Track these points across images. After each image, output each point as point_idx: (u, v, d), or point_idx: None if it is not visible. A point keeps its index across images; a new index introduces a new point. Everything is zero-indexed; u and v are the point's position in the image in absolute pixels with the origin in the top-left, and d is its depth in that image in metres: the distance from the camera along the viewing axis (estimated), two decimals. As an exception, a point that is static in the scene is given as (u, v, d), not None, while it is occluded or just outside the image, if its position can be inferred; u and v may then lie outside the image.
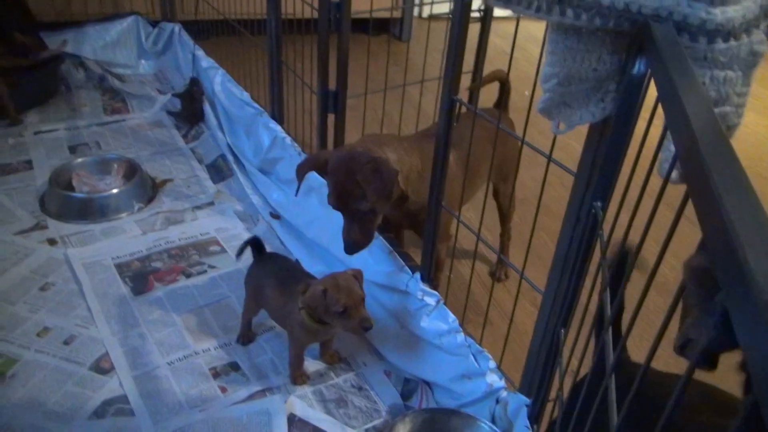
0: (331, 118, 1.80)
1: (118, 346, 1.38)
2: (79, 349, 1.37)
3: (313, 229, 1.70)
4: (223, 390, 1.30)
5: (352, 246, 1.25)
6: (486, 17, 1.69)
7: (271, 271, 1.34)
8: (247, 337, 1.43)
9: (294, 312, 1.26)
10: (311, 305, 1.20)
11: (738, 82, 0.74)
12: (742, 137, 2.56)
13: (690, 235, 0.60)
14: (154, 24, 2.73)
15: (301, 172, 1.29)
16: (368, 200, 1.18)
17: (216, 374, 1.34)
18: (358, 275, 1.23)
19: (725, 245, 0.33)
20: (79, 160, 1.97)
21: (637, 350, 1.41)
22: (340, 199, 1.22)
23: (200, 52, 2.41)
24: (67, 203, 1.80)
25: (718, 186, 0.37)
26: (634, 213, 0.71)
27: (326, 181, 1.24)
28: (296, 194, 1.33)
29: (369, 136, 1.35)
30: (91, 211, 1.80)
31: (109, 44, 2.66)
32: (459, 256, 1.82)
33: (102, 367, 1.33)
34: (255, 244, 1.38)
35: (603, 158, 0.81)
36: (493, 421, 1.14)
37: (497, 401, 1.16)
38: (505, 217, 1.67)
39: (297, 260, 1.61)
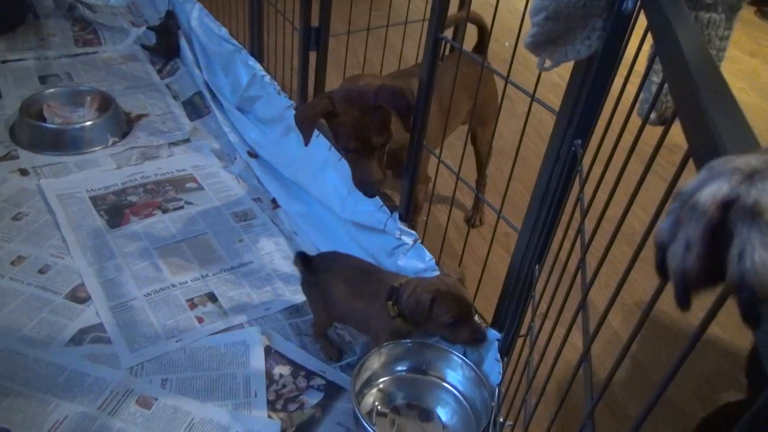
0: (312, 57, 1.78)
1: (94, 277, 1.38)
2: (54, 278, 1.36)
3: (291, 168, 1.69)
4: (200, 320, 1.32)
5: (375, 186, 1.23)
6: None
7: (336, 278, 1.20)
8: (335, 352, 1.28)
9: (380, 317, 1.14)
10: (413, 313, 1.09)
11: (721, 24, 0.75)
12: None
13: (658, 189, 0.62)
14: (127, -47, 2.61)
15: (309, 122, 1.23)
16: (385, 132, 1.18)
17: (193, 305, 1.35)
18: (463, 278, 1.15)
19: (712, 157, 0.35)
20: (51, 90, 1.91)
21: (601, 296, 1.47)
22: (359, 137, 1.19)
23: (176, -15, 2.33)
24: (38, 134, 1.76)
25: (705, 102, 0.39)
26: (612, 152, 0.73)
27: (334, 125, 1.21)
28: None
29: (354, 76, 1.34)
30: (63, 142, 1.76)
31: (80, -28, 2.55)
32: (435, 202, 1.84)
33: (78, 297, 1.33)
34: (302, 258, 1.23)
35: (586, 97, 0.82)
36: (464, 354, 1.19)
37: (469, 336, 1.20)
38: (481, 164, 1.69)
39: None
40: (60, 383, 1.15)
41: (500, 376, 1.08)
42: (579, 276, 0.68)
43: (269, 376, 1.22)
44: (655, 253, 0.30)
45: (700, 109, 0.39)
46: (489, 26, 1.54)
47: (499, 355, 1.11)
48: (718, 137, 0.35)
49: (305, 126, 1.24)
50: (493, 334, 1.14)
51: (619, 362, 0.48)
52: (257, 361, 1.24)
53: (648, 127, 0.65)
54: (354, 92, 1.19)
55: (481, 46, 1.58)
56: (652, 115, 0.71)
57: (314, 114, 1.23)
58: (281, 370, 1.23)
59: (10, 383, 1.14)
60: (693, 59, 0.43)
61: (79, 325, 1.27)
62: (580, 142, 0.85)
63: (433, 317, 1.08)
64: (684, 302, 0.27)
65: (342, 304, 1.19)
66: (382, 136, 1.20)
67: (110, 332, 1.26)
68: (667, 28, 0.50)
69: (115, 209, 1.58)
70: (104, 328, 1.27)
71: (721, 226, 0.26)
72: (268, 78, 1.82)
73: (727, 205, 0.26)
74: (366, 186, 1.24)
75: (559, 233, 0.91)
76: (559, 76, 0.94)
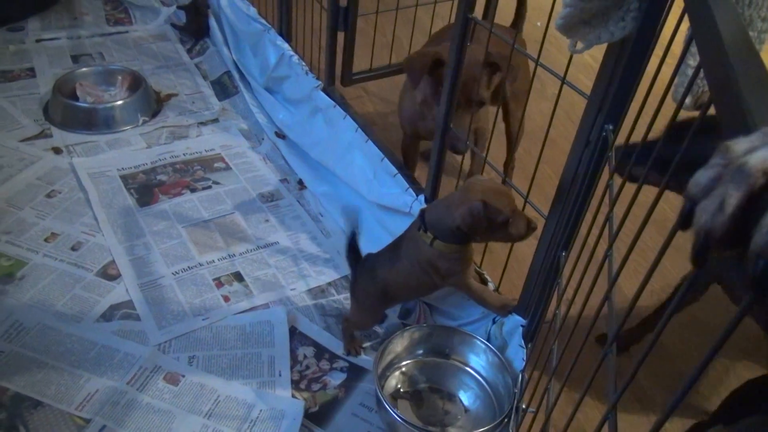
0: (340, 37, 1.76)
1: (124, 255, 1.41)
2: (86, 255, 1.39)
3: (318, 149, 1.69)
4: (227, 299, 1.33)
5: (463, 142, 1.23)
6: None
7: (381, 266, 1.15)
8: (357, 349, 1.26)
9: (420, 255, 1.09)
10: (473, 224, 1.02)
11: (764, 4, 0.72)
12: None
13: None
14: (158, -69, 2.61)
15: (420, 68, 1.26)
16: (487, 91, 1.25)
17: (220, 284, 1.37)
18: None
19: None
20: (83, 69, 1.94)
21: (630, 284, 1.44)
22: (465, 89, 1.22)
23: (206, -36, 2.33)
24: (71, 112, 1.79)
25: (744, 90, 0.37)
26: (645, 138, 0.71)
27: (438, 76, 1.24)
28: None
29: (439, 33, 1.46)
30: (95, 121, 1.79)
31: (111, -49, 2.56)
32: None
33: (109, 274, 1.36)
34: (352, 247, 1.19)
35: (618, 80, 0.80)
36: (488, 339, 1.18)
37: (494, 321, 1.19)
38: (511, 144, 1.66)
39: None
40: (91, 358, 1.18)
41: (524, 362, 1.08)
42: (606, 264, 0.67)
43: (293, 356, 1.23)
44: (683, 203, 0.29)
45: (736, 96, 0.37)
46: (511, 5, 1.51)
47: (523, 341, 1.10)
48: (755, 127, 0.33)
49: (416, 71, 1.27)
50: (518, 320, 1.13)
51: (645, 354, 0.47)
52: (282, 341, 1.26)
53: (683, 111, 0.63)
54: (469, 52, 1.20)
55: (518, 21, 1.55)
56: (688, 100, 0.69)
57: (426, 60, 1.25)
58: (305, 351, 1.25)
59: (43, 356, 1.17)
60: (731, 43, 0.41)
61: (109, 302, 1.30)
62: (611, 127, 0.83)
63: (490, 220, 1.02)
64: (700, 260, 0.27)
65: (399, 282, 1.14)
66: (486, 91, 1.25)
67: (139, 309, 1.29)
68: (704, 9, 0.47)
69: (145, 188, 1.61)
70: (133, 305, 1.30)
71: (759, 194, 0.26)
72: (296, 58, 1.81)
73: None
74: (455, 141, 1.25)
75: (588, 219, 0.90)
76: (592, 57, 0.91)
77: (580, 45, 0.82)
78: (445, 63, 1.21)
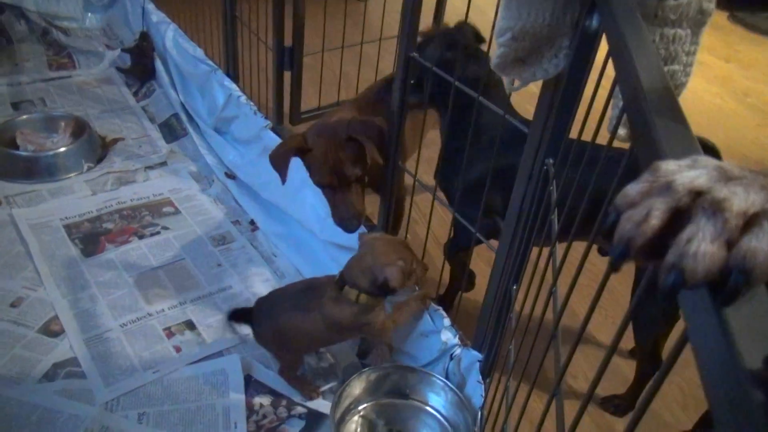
0: (287, 76, 1.77)
1: (68, 309, 1.35)
2: (26, 312, 1.33)
3: (269, 189, 1.67)
4: (178, 350, 1.29)
5: (356, 219, 1.20)
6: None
7: (285, 312, 1.15)
8: (313, 387, 1.24)
9: (341, 313, 1.12)
10: (402, 281, 1.09)
11: (687, 40, 0.75)
12: (690, 104, 2.61)
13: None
14: (101, -25, 2.59)
15: (282, 161, 1.21)
16: (360, 164, 1.16)
17: (170, 334, 1.32)
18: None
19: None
20: (24, 117, 1.88)
21: (582, 306, 1.45)
22: (333, 171, 1.17)
23: (150, 5, 2.31)
24: (11, 162, 1.73)
25: (660, 136, 0.37)
26: (581, 171, 0.72)
27: (308, 161, 1.20)
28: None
29: (326, 113, 1.35)
30: (37, 170, 1.73)
31: (53, -5, 2.52)
32: (415, 217, 1.83)
33: (51, 330, 1.30)
34: (239, 315, 1.20)
35: (555, 115, 0.81)
36: (446, 376, 1.17)
37: (451, 357, 1.18)
38: None
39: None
40: (32, 422, 1.11)
41: (482, 399, 1.07)
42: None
43: (249, 406, 1.19)
44: (609, 212, 0.30)
45: (653, 139, 0.38)
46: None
47: (480, 377, 1.09)
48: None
49: (280, 165, 1.21)
50: (475, 355, 1.12)
51: (596, 382, 0.46)
52: (237, 390, 1.21)
53: (617, 141, 0.64)
54: (326, 127, 1.19)
55: None
56: (622, 132, 0.70)
57: (287, 152, 1.21)
58: (262, 399, 1.21)
59: (-20, 424, 1.10)
60: (649, 87, 0.42)
61: (52, 360, 1.24)
62: (551, 161, 0.84)
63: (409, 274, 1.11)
64: (618, 266, 0.29)
65: (304, 331, 1.14)
66: (356, 168, 1.18)
67: (84, 366, 1.23)
68: (626, 55, 0.48)
69: (91, 237, 1.55)
70: (78, 362, 1.24)
71: (680, 213, 0.27)
72: (244, 98, 1.80)
73: (697, 195, 0.27)
74: (346, 222, 1.21)
75: (536, 250, 0.90)
76: (537, 86, 0.93)
77: (516, 83, 0.83)
78: (310, 149, 1.18)
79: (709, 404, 0.25)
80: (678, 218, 0.27)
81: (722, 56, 3.13)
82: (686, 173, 0.28)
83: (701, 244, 0.25)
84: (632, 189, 0.29)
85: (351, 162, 1.17)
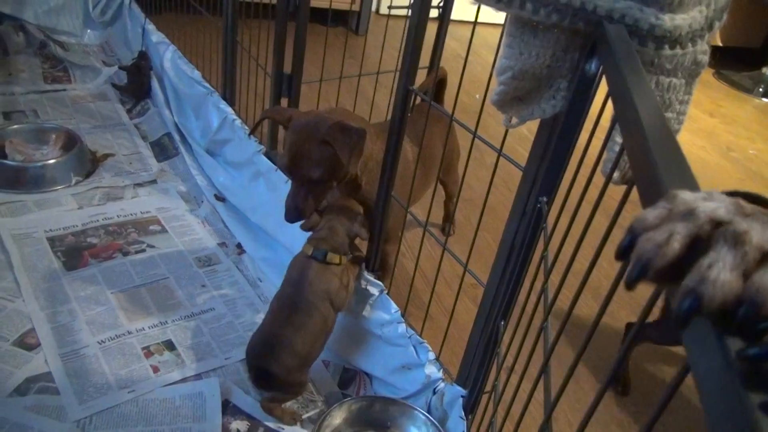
0: (284, 103, 1.78)
1: (46, 322, 1.32)
2: (2, 323, 1.30)
3: (258, 214, 1.67)
4: (156, 370, 1.26)
5: (294, 212, 1.18)
6: (444, 16, 1.70)
7: (283, 342, 1.15)
8: (295, 414, 1.24)
9: (335, 281, 1.20)
10: (350, 239, 1.26)
11: (681, 89, 0.77)
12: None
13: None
14: (103, -7, 2.62)
15: (265, 115, 1.29)
16: (323, 169, 1.14)
17: (149, 354, 1.30)
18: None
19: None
20: (15, 126, 1.87)
21: (568, 350, 1.46)
22: (293, 161, 1.15)
23: (151, 26, 2.34)
24: (-3, 171, 1.71)
25: (664, 177, 0.38)
26: (576, 212, 0.73)
27: (286, 140, 1.19)
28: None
29: (341, 108, 1.32)
30: (23, 180, 1.71)
31: (53, 9, 2.53)
32: (403, 251, 1.83)
33: (26, 343, 1.27)
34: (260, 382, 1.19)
35: (551, 154, 0.83)
36: (428, 411, 1.16)
37: (434, 392, 1.17)
38: (450, 195, 1.74)
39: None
40: (-1, 437, 1.08)
41: (464, 435, 1.05)
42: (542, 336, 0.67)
43: (226, 431, 1.17)
44: (624, 236, 0.30)
45: (655, 177, 0.39)
46: (450, 78, 1.57)
47: (463, 413, 1.08)
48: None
49: (261, 117, 1.29)
50: (458, 391, 1.12)
51: (584, 425, 0.46)
52: (214, 415, 1.19)
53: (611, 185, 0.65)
54: (312, 120, 1.16)
55: (439, 96, 1.58)
56: (616, 175, 0.72)
57: (271, 113, 1.27)
58: (238, 425, 1.18)
59: (-56, 437, 1.07)
60: (650, 127, 0.43)
61: (25, 374, 1.21)
62: (545, 199, 0.86)
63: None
64: (633, 285, 0.29)
65: (317, 332, 1.17)
66: (318, 169, 1.15)
67: (58, 382, 1.20)
68: (626, 96, 0.50)
69: (74, 251, 1.53)
70: (52, 378, 1.21)
71: (702, 238, 0.28)
72: (238, 122, 1.81)
73: (717, 225, 0.28)
74: (286, 210, 1.19)
75: (527, 287, 0.90)
76: (528, 129, 0.95)
77: (514, 120, 0.85)
78: (286, 129, 1.19)
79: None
80: (698, 244, 0.28)
81: (707, 110, 3.22)
82: (708, 203, 0.29)
83: (721, 272, 0.25)
84: (650, 214, 0.29)
85: (315, 162, 1.14)
